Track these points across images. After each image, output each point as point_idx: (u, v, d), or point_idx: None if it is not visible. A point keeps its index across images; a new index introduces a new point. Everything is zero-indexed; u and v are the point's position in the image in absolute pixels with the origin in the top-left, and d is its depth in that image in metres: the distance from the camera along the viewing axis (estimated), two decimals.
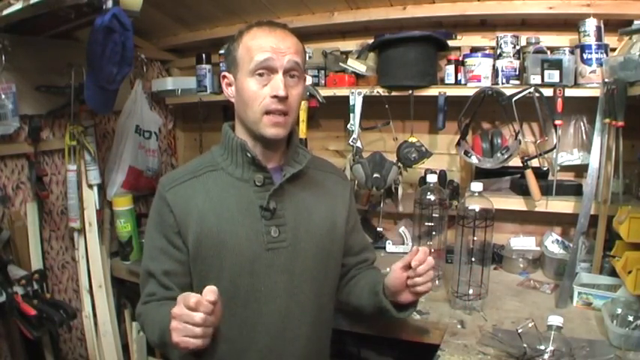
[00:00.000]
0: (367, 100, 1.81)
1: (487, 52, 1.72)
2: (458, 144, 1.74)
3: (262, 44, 1.02)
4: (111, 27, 1.36)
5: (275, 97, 1.01)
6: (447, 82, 1.77)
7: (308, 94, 1.79)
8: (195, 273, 1.08)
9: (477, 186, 1.41)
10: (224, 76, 1.11)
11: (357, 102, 1.82)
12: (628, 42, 1.52)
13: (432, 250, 1.61)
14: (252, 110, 1.03)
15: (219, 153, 1.12)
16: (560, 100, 1.55)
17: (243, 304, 1.06)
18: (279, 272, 1.07)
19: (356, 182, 1.81)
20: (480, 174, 1.79)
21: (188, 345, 0.83)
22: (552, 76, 1.57)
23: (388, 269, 1.08)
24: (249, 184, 1.08)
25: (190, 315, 0.82)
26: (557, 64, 1.57)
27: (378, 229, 2.03)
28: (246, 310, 1.06)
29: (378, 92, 1.79)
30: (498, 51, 1.69)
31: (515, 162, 1.68)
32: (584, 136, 1.71)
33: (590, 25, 1.55)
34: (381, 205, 1.97)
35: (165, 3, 1.98)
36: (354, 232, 1.28)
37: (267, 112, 1.03)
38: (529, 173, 1.63)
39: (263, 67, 1.01)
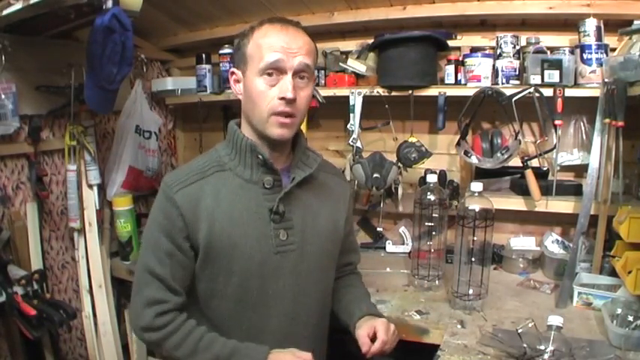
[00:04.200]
0: (367, 100, 1.81)
1: (487, 52, 1.72)
2: (458, 144, 1.74)
3: (273, 43, 0.99)
4: (111, 27, 1.36)
5: (283, 99, 0.99)
6: (447, 82, 1.77)
7: None
8: (203, 276, 1.07)
9: (476, 186, 1.41)
10: (232, 72, 1.08)
11: (357, 102, 1.82)
12: (628, 42, 1.52)
13: (432, 250, 1.61)
14: (259, 110, 1.01)
15: (225, 152, 1.09)
16: (560, 100, 1.55)
17: (252, 307, 1.06)
18: (286, 275, 1.07)
19: (356, 182, 1.81)
20: (480, 174, 1.79)
21: None
22: (552, 76, 1.57)
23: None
24: (257, 186, 1.06)
25: None
26: (557, 64, 1.57)
27: (378, 229, 2.03)
28: (254, 313, 1.06)
29: (378, 92, 1.79)
30: (498, 51, 1.69)
31: (515, 162, 1.68)
32: (584, 136, 1.71)
33: (590, 25, 1.55)
34: (381, 205, 1.97)
35: (165, 3, 1.98)
36: (350, 234, 1.29)
37: (275, 113, 1.01)
38: (529, 173, 1.63)
39: (272, 67, 0.99)
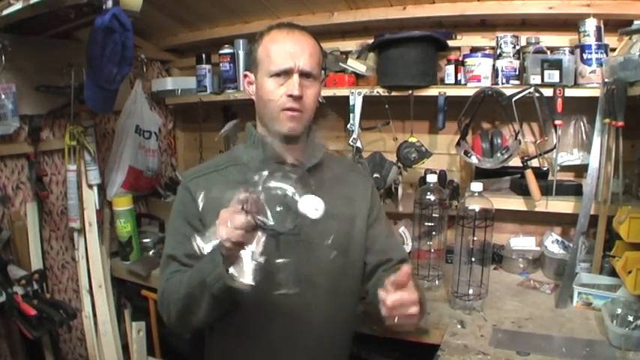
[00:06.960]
0: (367, 100, 1.81)
1: (487, 52, 1.72)
2: (458, 144, 1.74)
3: (280, 49, 1.08)
4: (111, 27, 1.36)
5: (290, 96, 1.07)
6: (447, 82, 1.77)
7: None
8: None
9: (476, 186, 1.41)
10: (245, 75, 1.18)
11: (357, 102, 1.81)
12: (628, 42, 1.52)
13: (432, 250, 1.61)
14: (270, 108, 1.09)
15: (241, 148, 1.19)
16: (560, 100, 1.55)
17: (256, 293, 1.06)
18: (292, 263, 1.07)
19: None
20: (480, 174, 1.79)
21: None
22: (552, 76, 1.57)
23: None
24: None
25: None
26: (557, 64, 1.57)
27: None
28: (258, 300, 1.06)
29: (378, 92, 1.79)
30: (498, 51, 1.69)
31: (515, 162, 1.68)
32: (584, 136, 1.71)
33: (590, 25, 1.55)
34: (381, 205, 1.97)
35: (165, 3, 1.98)
36: (374, 227, 1.25)
37: (284, 109, 1.08)
38: (529, 173, 1.63)
39: (280, 70, 1.07)
